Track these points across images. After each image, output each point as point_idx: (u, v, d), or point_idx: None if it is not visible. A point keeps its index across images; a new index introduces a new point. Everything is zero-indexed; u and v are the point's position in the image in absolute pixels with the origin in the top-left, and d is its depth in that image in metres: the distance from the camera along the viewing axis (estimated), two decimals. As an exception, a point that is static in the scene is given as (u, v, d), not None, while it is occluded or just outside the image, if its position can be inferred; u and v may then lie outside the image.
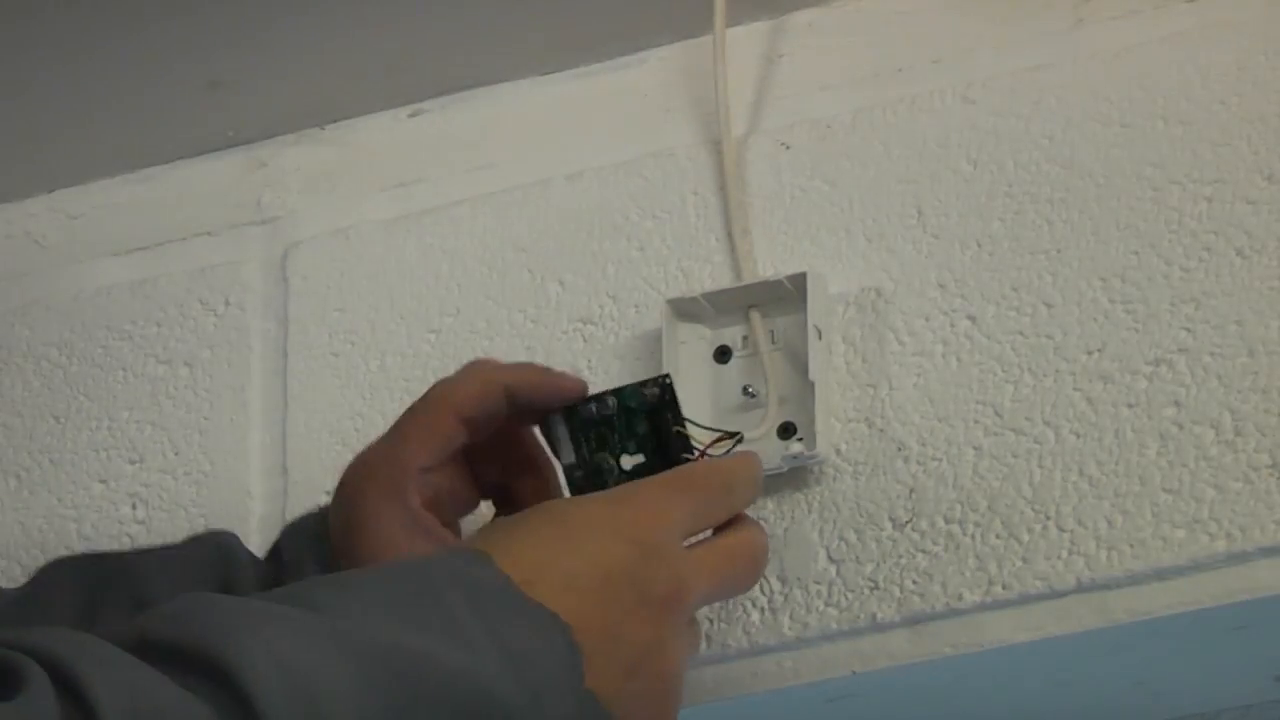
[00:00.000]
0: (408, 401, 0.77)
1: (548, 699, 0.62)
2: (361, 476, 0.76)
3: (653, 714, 0.68)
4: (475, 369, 0.78)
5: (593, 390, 0.76)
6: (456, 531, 0.77)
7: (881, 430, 0.79)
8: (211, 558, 0.78)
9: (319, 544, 0.76)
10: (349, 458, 0.77)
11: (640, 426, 0.75)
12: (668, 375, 0.75)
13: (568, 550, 0.67)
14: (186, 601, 0.60)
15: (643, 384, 0.75)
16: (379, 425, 0.80)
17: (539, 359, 0.86)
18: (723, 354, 0.82)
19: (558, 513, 0.69)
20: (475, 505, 0.79)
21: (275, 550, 0.78)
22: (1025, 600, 0.73)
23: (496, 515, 0.79)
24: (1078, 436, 0.76)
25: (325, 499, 0.78)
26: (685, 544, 0.69)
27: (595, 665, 0.64)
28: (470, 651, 0.61)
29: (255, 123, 0.97)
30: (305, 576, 0.74)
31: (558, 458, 0.76)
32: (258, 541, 0.84)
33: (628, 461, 0.75)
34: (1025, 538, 0.74)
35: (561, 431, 0.76)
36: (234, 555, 0.78)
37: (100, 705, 0.53)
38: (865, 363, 0.80)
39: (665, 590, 0.67)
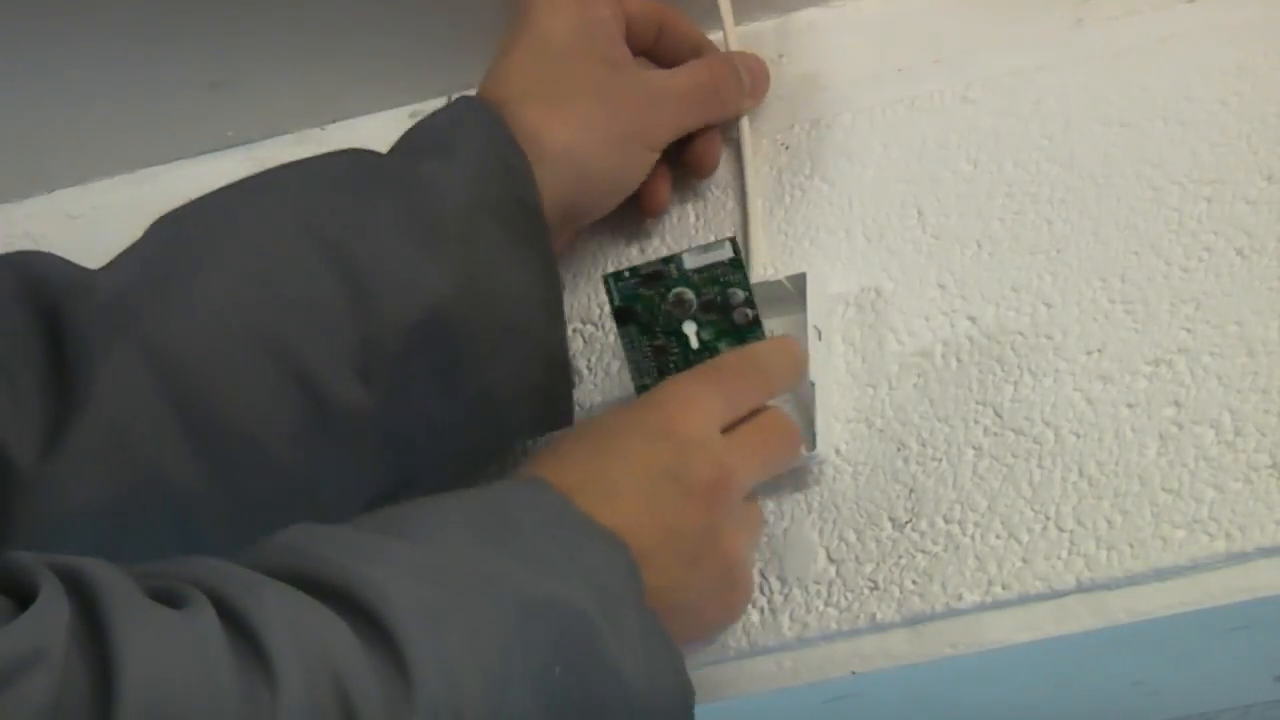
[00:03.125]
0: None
1: (618, 615, 0.64)
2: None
3: (723, 599, 0.70)
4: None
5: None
6: None
7: (881, 430, 0.79)
8: None
9: None
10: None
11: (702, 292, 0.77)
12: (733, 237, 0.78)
13: (608, 460, 0.69)
14: (303, 534, 0.61)
15: (706, 247, 0.78)
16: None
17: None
18: (723, 354, 0.82)
19: (594, 427, 0.71)
20: None
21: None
22: (1025, 600, 0.73)
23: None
24: (1077, 436, 0.76)
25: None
26: (722, 430, 0.71)
27: (655, 564, 0.66)
28: (558, 577, 0.63)
29: (255, 123, 0.97)
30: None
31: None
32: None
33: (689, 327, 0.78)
34: (1025, 538, 0.74)
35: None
36: None
37: (258, 622, 0.54)
38: (865, 363, 0.80)
39: (709, 478, 0.69)
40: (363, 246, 0.73)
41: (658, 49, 0.85)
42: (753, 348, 0.76)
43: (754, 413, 0.73)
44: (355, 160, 0.77)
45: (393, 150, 0.79)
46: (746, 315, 0.77)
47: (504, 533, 0.64)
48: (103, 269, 0.74)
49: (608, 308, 0.79)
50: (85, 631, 0.52)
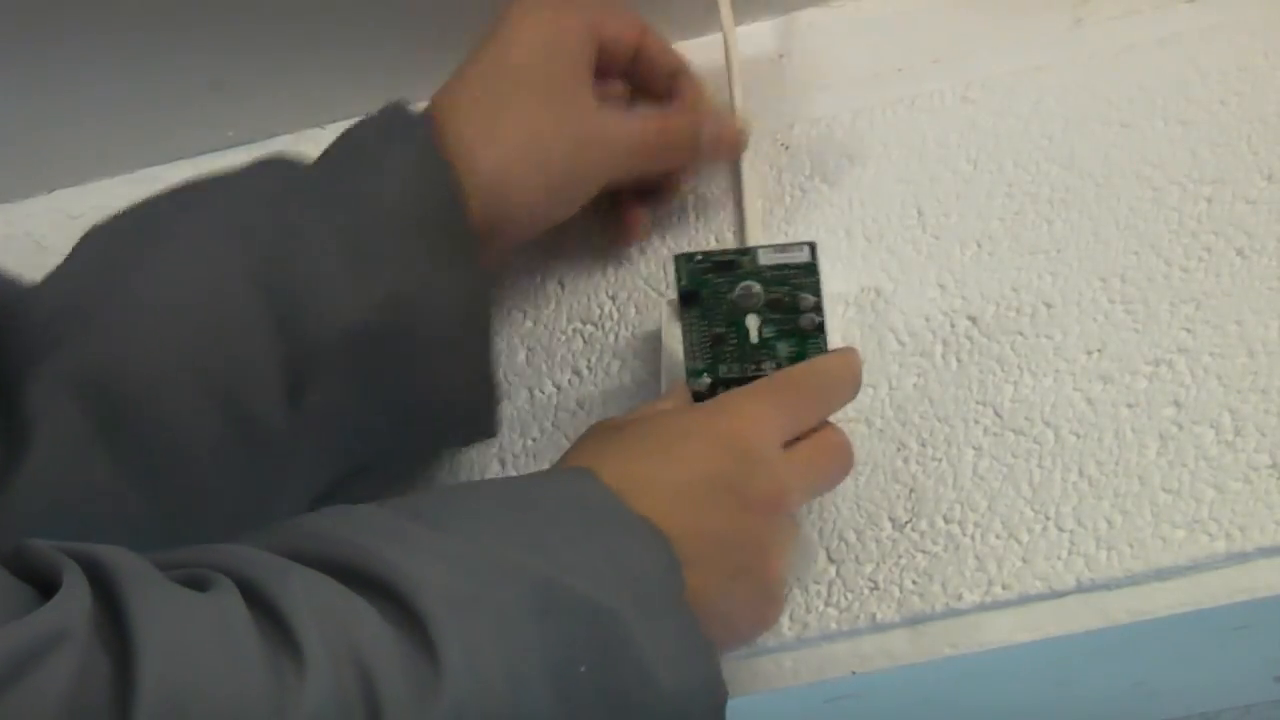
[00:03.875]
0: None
1: (654, 612, 0.63)
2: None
3: (758, 613, 0.70)
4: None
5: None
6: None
7: (881, 430, 0.79)
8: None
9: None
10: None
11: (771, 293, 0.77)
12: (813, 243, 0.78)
13: (669, 461, 0.68)
14: (331, 518, 0.61)
15: (784, 246, 0.78)
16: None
17: (539, 358, 0.86)
18: (723, 354, 0.82)
19: (657, 425, 0.71)
20: None
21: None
22: (1025, 600, 0.73)
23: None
24: (1077, 436, 0.76)
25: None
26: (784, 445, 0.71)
27: (699, 570, 0.66)
28: (592, 574, 0.63)
29: (255, 123, 0.97)
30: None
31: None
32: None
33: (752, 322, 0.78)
34: (1025, 538, 0.74)
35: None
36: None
37: (285, 606, 0.54)
38: (865, 363, 0.80)
39: (767, 493, 0.69)
40: (289, 267, 0.73)
41: (633, 73, 0.84)
42: (820, 363, 0.75)
43: (814, 429, 0.73)
44: (282, 174, 0.77)
45: (321, 160, 0.79)
46: (813, 321, 0.77)
47: (542, 520, 0.64)
48: (36, 286, 0.74)
49: (609, 308, 0.79)
50: (104, 615, 0.52)
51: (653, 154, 0.82)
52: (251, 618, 0.54)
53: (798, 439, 0.72)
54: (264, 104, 0.95)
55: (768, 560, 0.69)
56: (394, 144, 0.77)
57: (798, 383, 0.73)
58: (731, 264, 0.78)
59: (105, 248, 0.75)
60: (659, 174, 0.85)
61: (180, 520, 0.72)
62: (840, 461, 0.73)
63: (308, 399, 0.73)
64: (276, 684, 0.53)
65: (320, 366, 0.73)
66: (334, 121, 0.97)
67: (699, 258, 0.78)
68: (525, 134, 0.77)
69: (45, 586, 0.52)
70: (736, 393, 0.72)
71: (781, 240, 0.83)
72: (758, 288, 0.77)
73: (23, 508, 0.69)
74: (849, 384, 0.74)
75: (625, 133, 0.80)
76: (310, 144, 0.96)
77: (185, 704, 0.51)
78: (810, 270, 0.77)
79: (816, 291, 0.77)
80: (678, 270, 0.78)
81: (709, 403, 0.73)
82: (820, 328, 0.76)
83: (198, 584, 0.55)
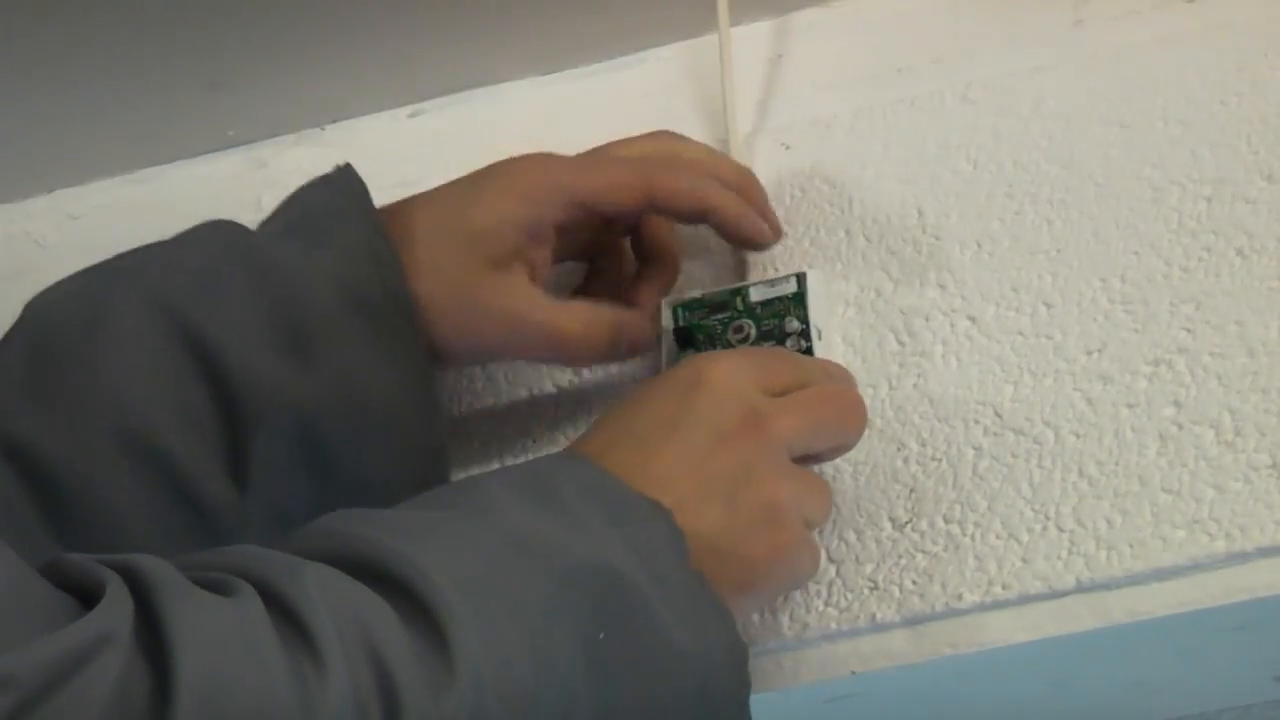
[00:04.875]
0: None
1: (664, 579, 0.64)
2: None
3: (765, 538, 0.69)
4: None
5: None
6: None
7: (881, 430, 0.78)
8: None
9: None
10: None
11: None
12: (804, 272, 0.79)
13: (640, 417, 0.69)
14: (339, 517, 0.62)
15: (773, 281, 0.79)
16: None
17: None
18: (723, 354, 0.82)
19: (627, 396, 0.71)
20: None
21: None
22: (1025, 600, 0.73)
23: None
24: (1077, 436, 0.76)
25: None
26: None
27: (692, 509, 0.66)
28: (600, 541, 0.63)
29: (255, 123, 0.97)
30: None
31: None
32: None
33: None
34: (1025, 538, 0.74)
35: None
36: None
37: (301, 605, 0.55)
38: (865, 363, 0.80)
39: (739, 420, 0.69)
40: (230, 352, 0.73)
41: (634, 238, 0.83)
42: (781, 349, 0.77)
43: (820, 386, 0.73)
44: (222, 248, 0.76)
45: (264, 228, 0.79)
46: (800, 345, 0.78)
47: (546, 498, 0.64)
48: None
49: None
50: (142, 621, 0.53)
51: (568, 352, 0.79)
52: (271, 620, 0.55)
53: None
54: (263, 104, 0.95)
55: (756, 482, 0.68)
56: (338, 217, 0.77)
57: (760, 349, 0.76)
58: (724, 305, 0.79)
59: (45, 324, 0.75)
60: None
61: None
62: (838, 406, 0.73)
63: (257, 480, 0.73)
64: (300, 685, 0.53)
65: (266, 454, 0.73)
66: (334, 121, 0.97)
67: (693, 303, 0.80)
68: (450, 283, 0.77)
69: (84, 596, 0.54)
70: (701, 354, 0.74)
71: (775, 270, 0.83)
72: (750, 324, 0.79)
73: None
74: (819, 371, 0.74)
75: (545, 320, 0.78)
76: (310, 144, 0.96)
77: (220, 706, 0.52)
78: (798, 300, 0.78)
79: (804, 319, 0.78)
80: (673, 316, 0.80)
81: (676, 363, 0.74)
82: (808, 352, 0.78)
83: (218, 588, 0.56)
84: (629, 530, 0.64)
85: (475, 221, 0.77)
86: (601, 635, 0.61)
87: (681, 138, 0.82)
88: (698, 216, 0.79)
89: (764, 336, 0.78)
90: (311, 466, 0.74)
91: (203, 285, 0.74)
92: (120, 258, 0.78)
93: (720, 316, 0.79)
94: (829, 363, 0.77)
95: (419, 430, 0.77)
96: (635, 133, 0.83)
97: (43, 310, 0.76)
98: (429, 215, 0.78)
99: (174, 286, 0.74)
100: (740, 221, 0.80)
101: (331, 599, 0.56)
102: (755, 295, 0.79)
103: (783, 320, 0.78)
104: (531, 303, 0.77)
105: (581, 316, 0.78)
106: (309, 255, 0.76)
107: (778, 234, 0.81)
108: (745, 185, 0.81)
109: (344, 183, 0.79)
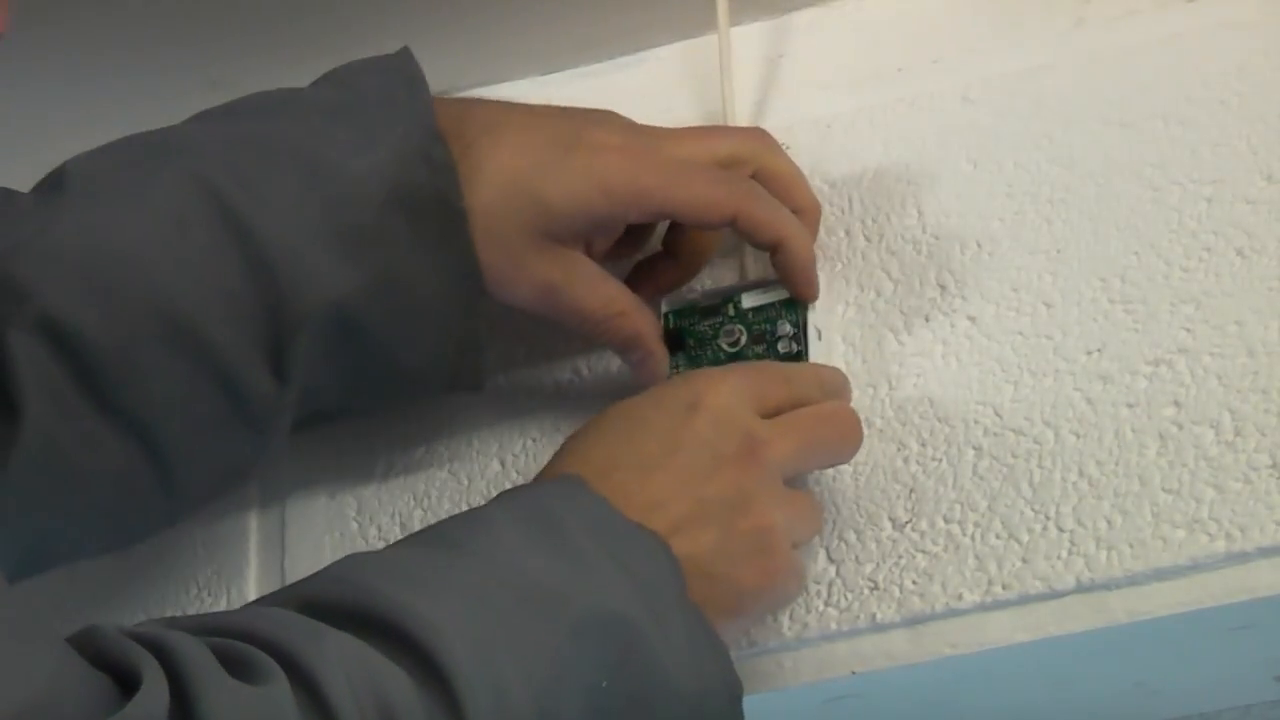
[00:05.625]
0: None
1: (663, 615, 0.64)
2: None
3: (756, 564, 0.69)
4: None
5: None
6: None
7: (881, 430, 0.78)
8: None
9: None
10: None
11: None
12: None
13: (637, 438, 0.70)
14: (353, 566, 0.64)
15: (766, 288, 0.79)
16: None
17: (539, 358, 0.86)
18: (723, 353, 0.82)
19: (623, 409, 0.72)
20: None
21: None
22: (1025, 600, 0.73)
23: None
24: (1077, 436, 0.76)
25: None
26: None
27: (687, 533, 0.67)
28: (604, 582, 0.64)
29: (255, 123, 0.96)
30: None
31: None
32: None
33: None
34: (1025, 538, 0.74)
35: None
36: None
37: (322, 680, 0.57)
38: (865, 363, 0.80)
39: (737, 446, 0.69)
40: (277, 248, 0.73)
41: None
42: (785, 364, 0.77)
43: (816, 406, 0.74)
44: (275, 135, 0.76)
45: (317, 95, 0.78)
46: (791, 347, 0.78)
47: (552, 538, 0.65)
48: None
49: None
50: (179, 711, 0.54)
51: (595, 331, 0.79)
52: (298, 704, 0.56)
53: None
54: (264, 104, 0.95)
55: (751, 511, 0.69)
56: (391, 110, 0.76)
57: (755, 366, 0.76)
58: (715, 310, 0.80)
59: (75, 193, 0.75)
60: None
61: (166, 467, 0.73)
62: (834, 427, 0.74)
63: (294, 371, 0.73)
64: None
65: (305, 345, 0.73)
66: (334, 121, 0.96)
67: (686, 309, 0.80)
68: (502, 240, 0.76)
69: (120, 675, 0.54)
70: (695, 370, 0.74)
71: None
72: (740, 329, 0.79)
73: (28, 463, 0.70)
74: (814, 382, 0.74)
75: (576, 296, 0.77)
76: (310, 144, 0.96)
77: None
78: (789, 305, 0.79)
79: (796, 323, 0.78)
80: (665, 321, 0.80)
81: (672, 379, 0.75)
82: (798, 356, 0.78)
83: (248, 670, 0.56)
84: (631, 564, 0.65)
85: (549, 197, 0.75)
86: (605, 684, 0.62)
87: (775, 146, 0.81)
88: (767, 248, 0.78)
89: (755, 340, 0.79)
90: (350, 358, 0.75)
91: (253, 177, 0.74)
92: (169, 131, 0.78)
93: (711, 321, 0.80)
94: (823, 370, 0.77)
95: (459, 328, 0.77)
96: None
97: (88, 180, 0.75)
98: (504, 158, 0.76)
99: (225, 174, 0.74)
100: (804, 269, 0.78)
101: (352, 673, 0.57)
102: (748, 302, 0.79)
103: (775, 324, 0.79)
104: (573, 276, 0.77)
105: (620, 302, 0.78)
106: (357, 151, 0.75)
107: (816, 295, 0.79)
108: (813, 218, 0.81)
109: (404, 70, 0.78)
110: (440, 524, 0.69)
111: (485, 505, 0.69)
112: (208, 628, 0.58)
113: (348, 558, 0.65)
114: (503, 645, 0.61)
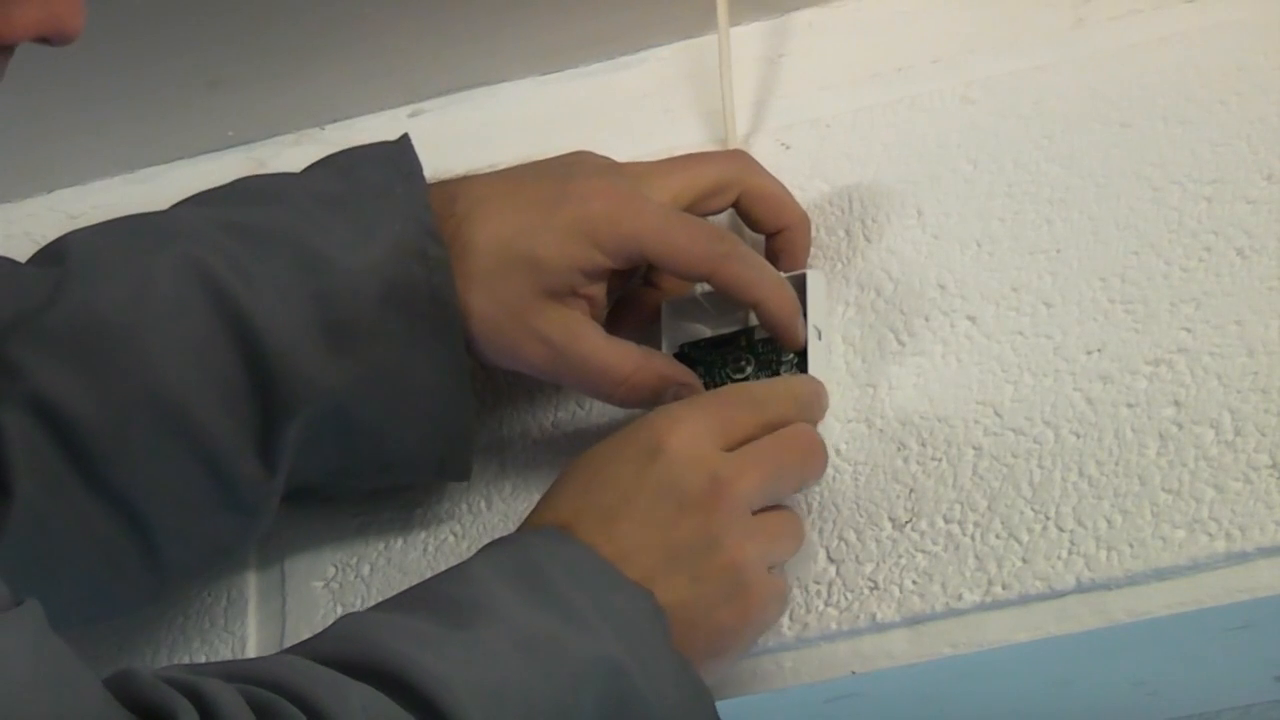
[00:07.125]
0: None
1: (651, 661, 0.65)
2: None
3: (733, 606, 0.70)
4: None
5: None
6: None
7: (881, 430, 0.78)
8: None
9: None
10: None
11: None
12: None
13: (602, 488, 0.70)
14: (360, 623, 0.65)
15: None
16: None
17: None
18: (723, 354, 0.82)
19: (588, 458, 0.72)
20: None
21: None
22: (1025, 600, 0.73)
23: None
24: (1077, 436, 0.76)
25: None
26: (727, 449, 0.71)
27: (662, 583, 0.68)
28: (594, 631, 0.65)
29: (255, 123, 0.96)
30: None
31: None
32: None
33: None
34: (1025, 538, 0.74)
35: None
36: None
37: None
38: (865, 363, 0.80)
39: (699, 489, 0.69)
40: (271, 338, 0.74)
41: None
42: (755, 384, 0.77)
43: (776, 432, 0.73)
44: (270, 225, 0.76)
45: (312, 183, 0.79)
46: (791, 370, 0.78)
47: (541, 592, 0.66)
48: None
49: None
50: None
51: (608, 389, 0.78)
52: None
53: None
54: (263, 103, 0.95)
55: (722, 554, 0.69)
56: (388, 202, 0.77)
57: (722, 394, 0.76)
58: (728, 341, 0.80)
59: (74, 271, 0.75)
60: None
61: (153, 546, 0.74)
62: (798, 452, 0.74)
63: (284, 460, 0.74)
64: None
65: (295, 436, 0.74)
66: (333, 121, 0.96)
67: (702, 344, 0.80)
68: (503, 303, 0.76)
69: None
70: (657, 409, 0.73)
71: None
72: (750, 363, 0.79)
73: (16, 539, 0.71)
74: (786, 400, 0.75)
75: (591, 354, 0.77)
76: (310, 144, 0.96)
77: None
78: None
79: (799, 351, 0.78)
80: (682, 356, 0.80)
81: (632, 422, 0.74)
82: (800, 367, 0.78)
83: (272, 713, 0.57)
84: (617, 613, 0.66)
85: (539, 253, 0.76)
86: None
87: (757, 166, 0.81)
88: (746, 304, 0.78)
89: (761, 366, 0.79)
90: (339, 448, 0.76)
91: (250, 265, 0.75)
92: (169, 214, 0.78)
93: (724, 353, 0.80)
94: (795, 382, 0.77)
95: (449, 421, 0.78)
96: (635, 133, 0.83)
97: (88, 258, 0.75)
98: (494, 227, 0.77)
99: (222, 261, 0.74)
100: (784, 326, 0.78)
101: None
102: (760, 334, 0.79)
103: (780, 353, 0.79)
104: (580, 335, 0.77)
105: (633, 359, 0.77)
106: (356, 248, 0.75)
107: (800, 345, 0.79)
108: (804, 232, 0.81)
109: (402, 162, 0.79)
110: (430, 582, 0.69)
111: (470, 561, 0.70)
112: (235, 675, 0.59)
113: (347, 617, 0.66)
114: (508, 699, 0.62)
